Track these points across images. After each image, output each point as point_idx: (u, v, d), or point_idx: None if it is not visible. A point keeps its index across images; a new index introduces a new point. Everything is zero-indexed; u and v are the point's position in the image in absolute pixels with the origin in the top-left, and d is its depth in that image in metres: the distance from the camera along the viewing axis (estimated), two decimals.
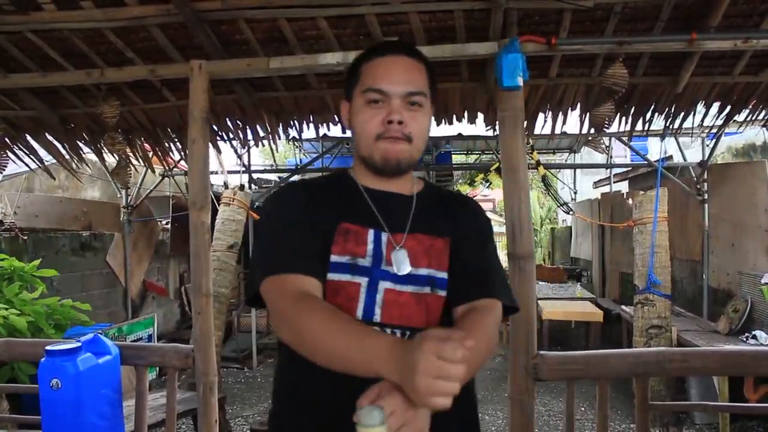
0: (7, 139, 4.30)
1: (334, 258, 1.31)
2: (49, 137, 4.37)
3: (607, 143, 9.88)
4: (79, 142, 4.40)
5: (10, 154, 4.38)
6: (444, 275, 1.36)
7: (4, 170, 4.38)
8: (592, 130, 3.70)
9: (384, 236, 1.36)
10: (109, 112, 3.70)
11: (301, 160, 12.50)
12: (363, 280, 1.31)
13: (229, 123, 4.19)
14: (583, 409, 5.86)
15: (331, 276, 1.30)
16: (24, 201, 6.98)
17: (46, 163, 4.72)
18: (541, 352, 2.58)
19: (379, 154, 1.36)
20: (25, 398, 4.16)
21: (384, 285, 1.31)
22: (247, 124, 4.21)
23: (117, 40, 3.25)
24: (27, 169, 4.98)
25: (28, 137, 4.40)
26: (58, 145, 4.43)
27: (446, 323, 1.34)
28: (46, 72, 3.52)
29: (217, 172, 7.96)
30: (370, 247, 1.34)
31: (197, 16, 3.01)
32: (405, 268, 1.33)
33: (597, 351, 2.53)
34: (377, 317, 1.29)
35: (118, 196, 8.11)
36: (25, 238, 6.23)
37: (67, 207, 7.55)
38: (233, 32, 3.25)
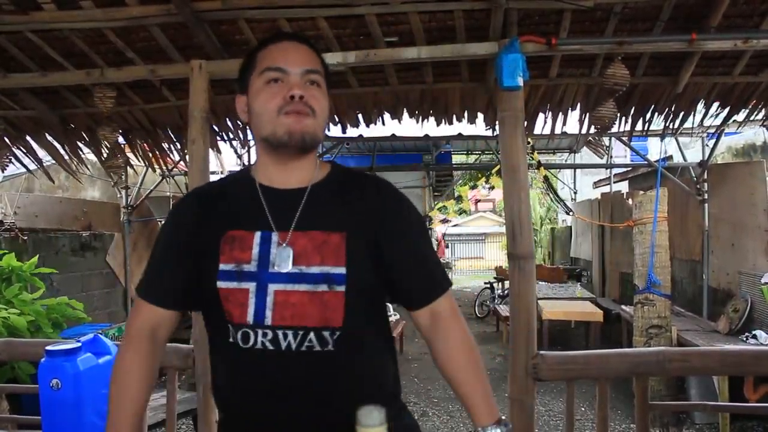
0: (7, 140, 4.29)
1: (221, 266, 1.33)
2: (49, 137, 4.36)
3: (607, 143, 9.88)
4: (78, 143, 4.40)
5: (10, 156, 4.37)
6: (341, 270, 1.31)
7: (5, 170, 4.38)
8: (593, 130, 3.70)
9: (274, 236, 1.34)
10: (108, 134, 3.75)
11: None
12: (251, 285, 1.31)
13: (229, 123, 4.19)
14: (583, 409, 5.86)
15: (220, 284, 1.32)
16: (24, 201, 6.98)
17: (45, 164, 4.71)
18: (541, 352, 2.58)
19: (283, 128, 1.33)
20: (25, 398, 4.16)
21: (273, 287, 1.31)
22: (247, 124, 4.20)
23: (117, 39, 3.25)
24: (27, 169, 4.98)
25: (28, 138, 4.40)
26: (58, 146, 4.42)
27: (356, 319, 1.32)
28: (46, 72, 3.51)
29: (217, 173, 7.97)
30: (255, 251, 1.33)
31: (197, 16, 3.01)
32: (285, 266, 1.31)
33: (597, 351, 2.53)
34: (268, 320, 1.29)
35: (118, 196, 8.11)
36: (25, 238, 6.23)
37: (67, 207, 7.55)
38: (233, 32, 3.25)
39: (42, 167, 4.66)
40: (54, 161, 4.66)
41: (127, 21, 3.07)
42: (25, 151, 4.47)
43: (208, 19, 3.09)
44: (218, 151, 4.72)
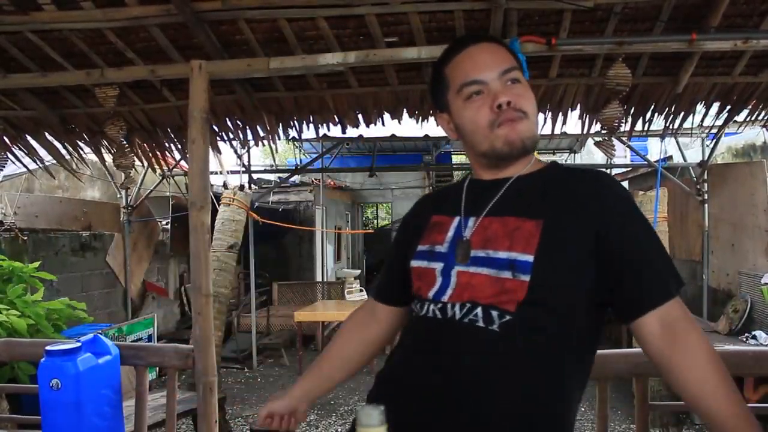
0: (6, 140, 4.30)
1: (419, 248, 1.41)
2: (49, 137, 4.37)
3: (613, 143, 9.87)
4: (79, 142, 4.40)
5: (9, 155, 4.38)
6: (528, 258, 1.21)
7: (2, 169, 4.38)
8: (598, 130, 3.69)
9: (470, 222, 1.35)
10: (114, 129, 3.75)
11: (301, 160, 12.52)
12: (438, 265, 1.35)
13: (229, 123, 4.19)
14: (582, 409, 5.86)
15: (414, 263, 1.40)
16: (24, 201, 6.98)
17: (46, 164, 4.71)
18: None
19: (501, 140, 1.30)
20: (25, 398, 4.16)
21: (458, 268, 1.31)
22: (247, 124, 4.21)
23: (117, 40, 3.25)
24: (27, 169, 4.98)
25: (28, 137, 4.40)
26: (58, 145, 4.43)
27: (535, 312, 1.21)
28: (46, 72, 3.52)
29: (217, 173, 7.96)
30: (450, 234, 1.37)
31: (197, 17, 3.02)
32: (465, 258, 1.30)
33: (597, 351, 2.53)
34: (446, 297, 1.30)
35: (118, 196, 8.11)
36: (25, 238, 6.23)
37: (67, 207, 7.54)
38: (233, 32, 3.26)
39: (43, 166, 4.66)
40: (54, 161, 4.66)
41: (127, 21, 3.08)
42: (25, 150, 4.47)
43: (208, 20, 3.09)
44: (218, 151, 4.72)
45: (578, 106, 3.88)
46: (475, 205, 1.37)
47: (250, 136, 4.34)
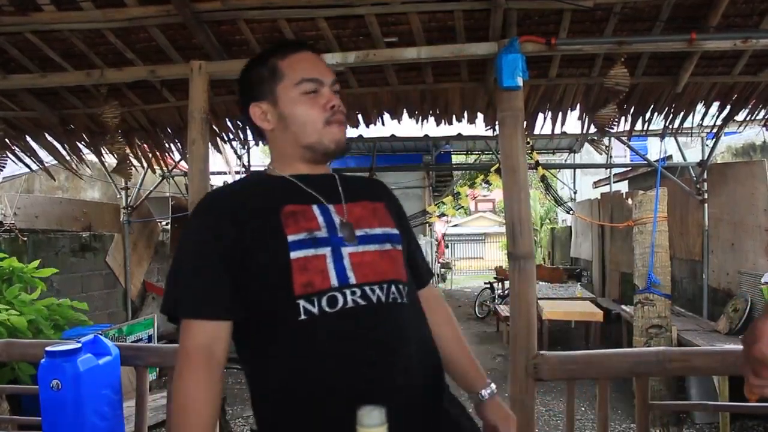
0: (6, 140, 4.29)
1: (291, 238, 1.32)
2: (49, 138, 4.36)
3: (606, 143, 9.88)
4: (78, 143, 4.40)
5: (9, 155, 4.37)
6: (395, 231, 1.48)
7: (2, 170, 4.38)
8: (593, 130, 3.70)
9: (331, 207, 1.42)
10: (109, 114, 3.70)
11: None
12: (326, 251, 1.34)
13: (229, 123, 4.19)
14: (583, 409, 5.86)
15: (295, 254, 1.31)
16: (24, 202, 6.98)
17: (46, 164, 4.71)
18: (542, 352, 2.58)
19: (330, 137, 1.45)
20: (26, 399, 4.16)
21: (346, 250, 1.36)
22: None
23: (117, 40, 3.25)
24: (27, 170, 4.98)
25: (28, 138, 4.40)
26: (58, 146, 4.42)
27: (408, 275, 1.48)
28: (46, 72, 3.51)
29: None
30: (320, 219, 1.38)
31: (197, 17, 3.01)
32: (352, 238, 1.39)
33: (597, 351, 2.53)
34: (352, 279, 1.33)
35: (118, 197, 8.11)
36: (25, 239, 6.24)
37: (67, 208, 7.54)
38: (233, 32, 3.26)
39: (43, 167, 4.66)
40: (55, 161, 4.66)
41: (126, 22, 3.07)
42: (26, 151, 4.47)
43: (208, 20, 3.09)
44: (219, 151, 4.72)
45: (578, 106, 3.88)
46: (324, 193, 1.44)
47: (250, 136, 4.34)
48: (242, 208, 1.38)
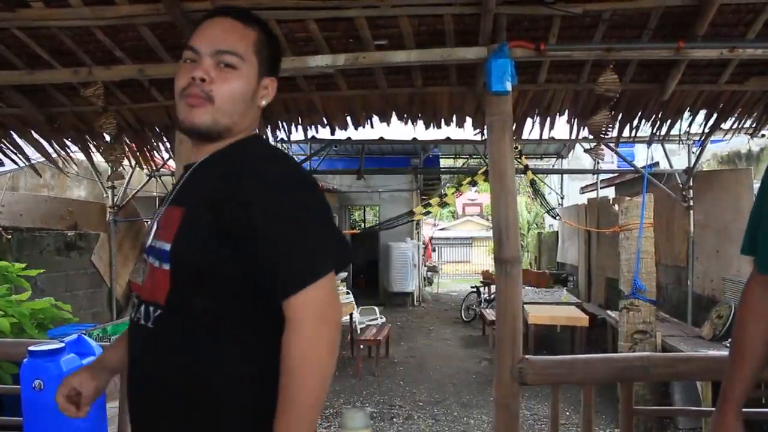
0: None
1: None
2: (35, 135, 4.33)
3: (604, 150, 9.94)
4: (66, 141, 4.37)
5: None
6: (166, 247, 1.24)
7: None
8: (586, 135, 3.72)
9: (161, 211, 1.35)
10: (106, 124, 3.71)
11: None
12: (144, 258, 1.33)
13: None
14: (567, 413, 5.88)
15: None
16: (9, 199, 6.91)
17: (32, 161, 4.67)
18: (527, 356, 2.59)
19: (180, 115, 1.30)
20: (7, 399, 4.11)
21: (149, 261, 1.31)
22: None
23: (105, 38, 3.24)
24: (13, 167, 4.93)
25: (14, 135, 4.36)
26: (45, 143, 4.39)
27: (183, 300, 1.23)
28: (33, 70, 3.49)
29: None
30: (153, 226, 1.35)
31: (187, 16, 3.01)
32: (147, 241, 1.32)
33: (582, 356, 2.54)
34: (140, 292, 1.33)
35: (105, 195, 8.05)
36: (9, 237, 6.17)
37: (53, 206, 7.47)
38: None
39: (29, 164, 4.62)
40: (42, 159, 4.62)
41: (115, 20, 3.07)
42: (11, 148, 4.43)
43: (198, 19, 3.07)
44: None
45: (566, 111, 3.90)
46: (173, 191, 1.38)
47: None
48: None
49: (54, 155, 4.55)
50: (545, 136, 4.16)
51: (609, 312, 7.78)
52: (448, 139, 8.61)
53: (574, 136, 4.15)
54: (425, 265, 18.59)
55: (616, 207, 7.72)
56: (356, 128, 4.22)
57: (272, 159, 1.32)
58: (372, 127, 4.24)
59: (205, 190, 1.26)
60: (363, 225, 19.29)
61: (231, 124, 1.31)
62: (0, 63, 3.51)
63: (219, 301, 1.23)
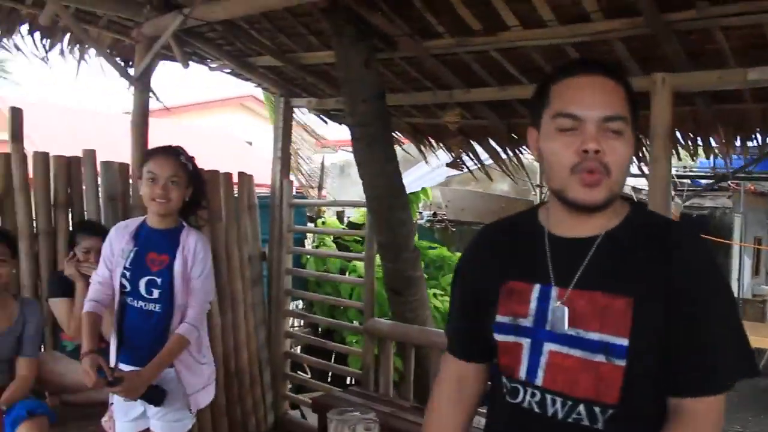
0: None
1: (498, 318, 1.29)
2: (492, 142, 4.67)
3: None
4: (520, 149, 4.62)
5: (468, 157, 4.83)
6: (623, 342, 1.15)
7: (463, 171, 4.85)
8: None
9: (553, 292, 1.24)
10: (451, 119, 4.01)
11: (714, 161, 11.30)
12: (525, 341, 1.25)
13: (678, 134, 3.93)
14: None
15: (497, 336, 1.30)
16: (452, 195, 7.69)
17: (485, 164, 5.07)
18: None
19: (574, 192, 1.20)
20: None
21: (549, 347, 1.22)
22: (698, 134, 3.89)
23: (576, 53, 3.28)
24: (467, 170, 5.41)
25: (473, 142, 4.77)
26: (500, 150, 4.69)
27: (635, 399, 1.17)
28: (504, 86, 3.76)
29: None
30: (533, 305, 1.25)
31: (668, 28, 2.85)
32: (561, 327, 1.20)
33: None
34: (539, 380, 1.23)
35: (533, 194, 8.42)
36: (453, 229, 6.87)
37: (488, 202, 8.08)
38: (703, 42, 3.00)
39: (483, 168, 5.03)
40: (494, 165, 4.97)
41: (589, 36, 3.07)
42: (469, 154, 4.87)
43: (680, 30, 2.90)
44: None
45: None
46: (559, 272, 1.24)
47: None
48: (494, 255, 1.39)
49: (506, 160, 4.82)
50: None
51: None
52: None
53: None
54: None
55: None
56: None
57: (697, 236, 1.29)
58: None
59: (644, 275, 1.19)
60: None
61: (619, 193, 1.26)
62: (475, 81, 3.85)
63: (662, 400, 1.21)
